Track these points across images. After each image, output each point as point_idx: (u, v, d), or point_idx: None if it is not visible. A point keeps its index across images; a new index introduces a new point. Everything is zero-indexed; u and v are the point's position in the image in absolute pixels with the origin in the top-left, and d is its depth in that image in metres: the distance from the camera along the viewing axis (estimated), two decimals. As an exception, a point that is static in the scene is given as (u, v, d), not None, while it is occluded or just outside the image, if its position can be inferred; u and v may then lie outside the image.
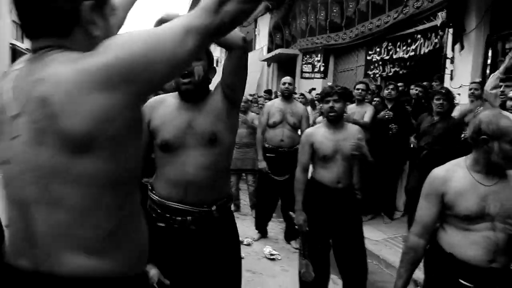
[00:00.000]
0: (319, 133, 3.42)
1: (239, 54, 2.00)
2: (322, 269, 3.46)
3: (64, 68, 1.05)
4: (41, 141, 1.06)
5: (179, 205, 2.15)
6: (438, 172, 2.20)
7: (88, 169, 1.08)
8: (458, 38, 6.07)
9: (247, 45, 2.10)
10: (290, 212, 3.72)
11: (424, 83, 6.80)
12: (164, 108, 2.19)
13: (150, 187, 2.22)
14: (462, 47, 6.05)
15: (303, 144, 3.46)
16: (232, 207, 6.79)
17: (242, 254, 4.66)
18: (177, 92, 2.22)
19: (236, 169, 6.87)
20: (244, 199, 7.07)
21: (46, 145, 1.06)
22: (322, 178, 3.41)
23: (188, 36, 1.10)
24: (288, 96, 5.27)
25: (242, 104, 6.75)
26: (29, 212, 1.12)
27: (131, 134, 1.15)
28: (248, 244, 5.21)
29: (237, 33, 1.95)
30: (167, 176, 2.15)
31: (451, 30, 6.19)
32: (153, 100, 2.25)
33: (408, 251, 2.26)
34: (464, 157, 2.19)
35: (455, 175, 2.14)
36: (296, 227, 3.55)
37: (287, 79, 5.30)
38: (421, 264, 2.32)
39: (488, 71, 5.76)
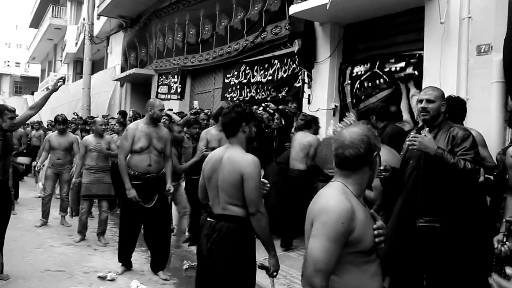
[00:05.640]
0: None
1: None
2: None
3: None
4: None
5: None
6: (341, 205, 1.74)
7: None
8: (309, 67, 6.50)
9: None
10: (260, 263, 2.86)
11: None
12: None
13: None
14: (310, 79, 6.49)
15: None
16: (78, 238, 6.12)
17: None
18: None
19: (91, 195, 6.43)
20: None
21: None
22: None
23: None
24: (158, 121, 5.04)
25: (98, 127, 6.35)
26: None
27: None
28: (112, 280, 4.74)
29: None
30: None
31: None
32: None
33: None
34: (337, 182, 1.87)
35: (355, 206, 1.79)
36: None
37: (162, 104, 4.99)
38: None
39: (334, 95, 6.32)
